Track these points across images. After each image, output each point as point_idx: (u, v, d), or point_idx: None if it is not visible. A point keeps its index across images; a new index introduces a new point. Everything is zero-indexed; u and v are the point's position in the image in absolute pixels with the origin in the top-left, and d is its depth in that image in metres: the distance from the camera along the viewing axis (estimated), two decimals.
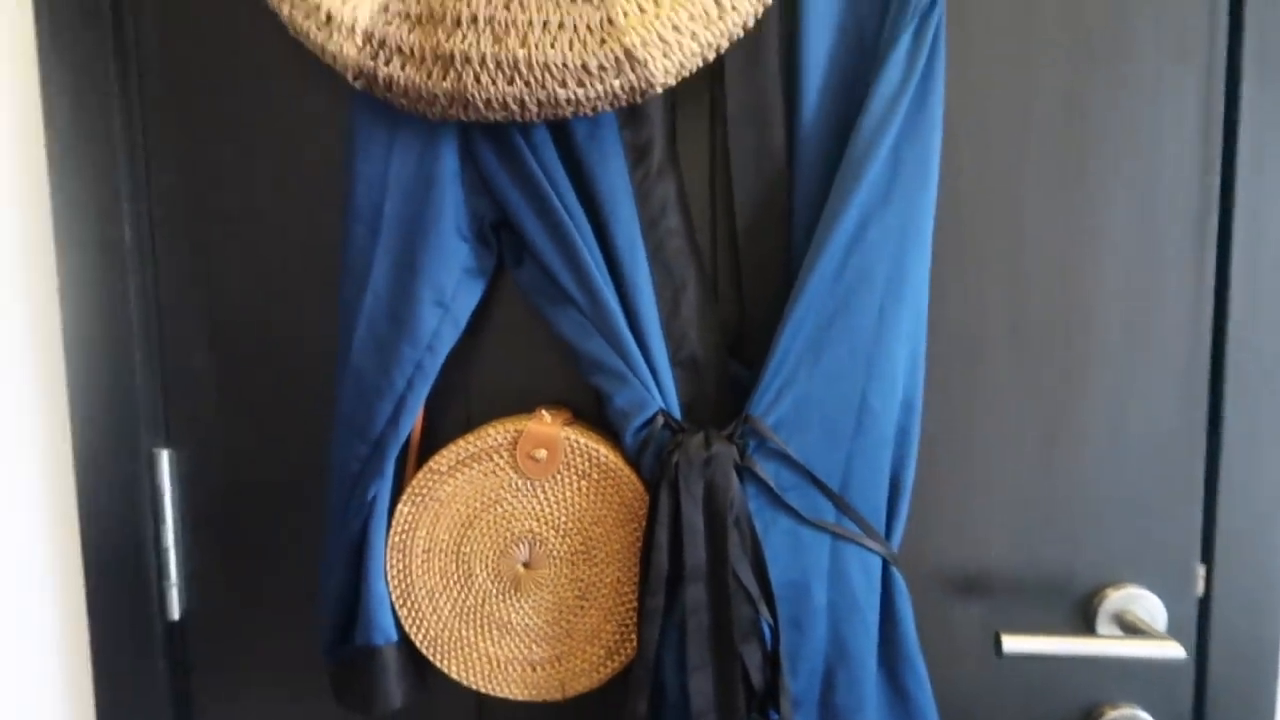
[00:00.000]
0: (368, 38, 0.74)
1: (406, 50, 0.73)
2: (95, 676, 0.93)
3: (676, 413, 0.82)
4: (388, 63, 0.74)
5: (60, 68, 0.86)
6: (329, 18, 0.73)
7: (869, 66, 0.79)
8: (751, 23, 0.75)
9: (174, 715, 0.94)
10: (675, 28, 0.72)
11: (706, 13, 0.73)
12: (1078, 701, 0.90)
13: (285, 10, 0.75)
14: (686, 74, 0.75)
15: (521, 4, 0.72)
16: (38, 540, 0.94)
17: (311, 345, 0.91)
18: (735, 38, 0.75)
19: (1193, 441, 0.87)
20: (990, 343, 0.87)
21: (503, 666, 0.86)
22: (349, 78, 0.76)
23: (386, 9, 0.74)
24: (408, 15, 0.74)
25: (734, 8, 0.73)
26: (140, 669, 0.93)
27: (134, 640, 0.93)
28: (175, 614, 0.94)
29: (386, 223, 0.82)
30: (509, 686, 0.86)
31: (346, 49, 0.74)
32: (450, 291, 0.83)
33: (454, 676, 0.86)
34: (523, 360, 0.89)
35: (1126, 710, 0.89)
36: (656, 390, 0.81)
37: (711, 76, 0.83)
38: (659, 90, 0.75)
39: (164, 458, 0.92)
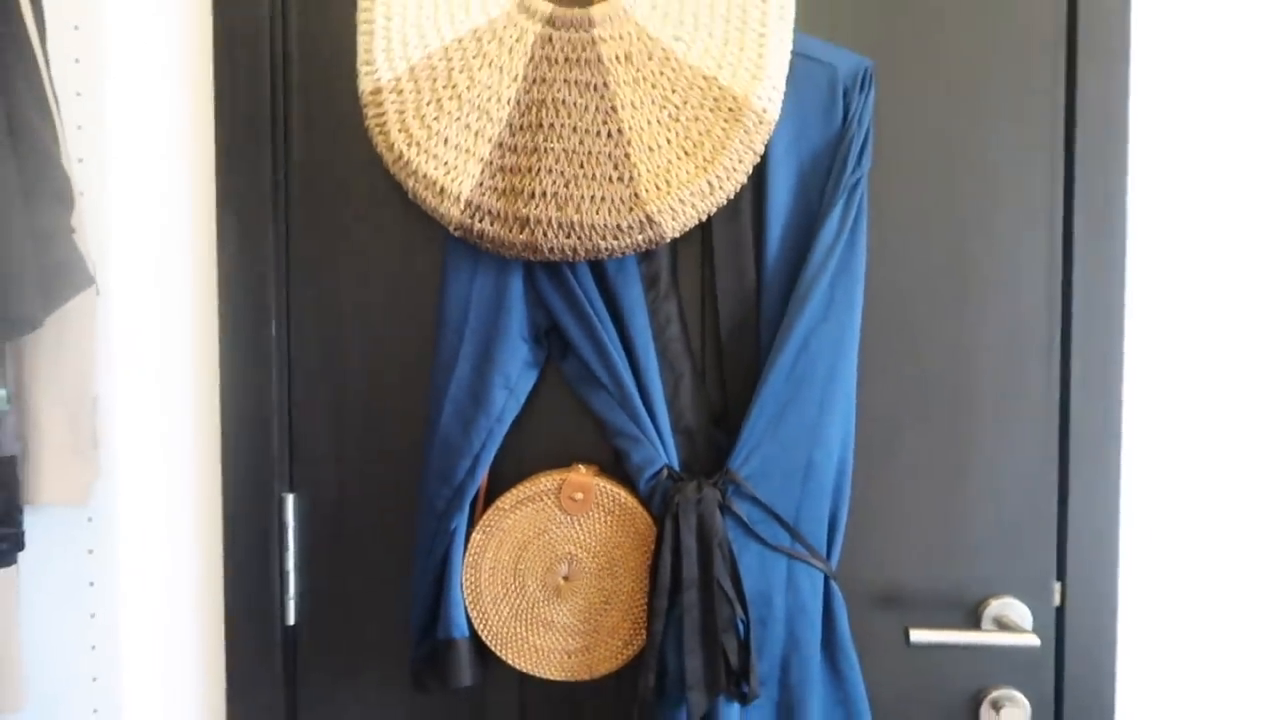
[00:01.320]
0: (468, 204, 1.06)
1: (495, 213, 1.05)
2: (228, 663, 1.22)
3: (677, 467, 1.13)
4: (480, 221, 1.06)
5: (233, 216, 1.18)
6: (442, 190, 1.05)
7: (813, 224, 1.12)
8: (732, 195, 1.08)
9: (286, 695, 1.23)
10: (681, 201, 1.05)
11: (702, 191, 1.05)
12: (969, 684, 1.20)
13: (410, 184, 1.07)
14: (687, 229, 1.08)
15: (576, 184, 1.04)
16: (192, 559, 1.23)
17: (404, 417, 1.21)
18: (721, 205, 1.08)
19: (1049, 493, 1.19)
20: (901, 421, 1.19)
21: (546, 655, 1.15)
22: (450, 228, 1.08)
23: (481, 185, 1.06)
24: (496, 189, 1.06)
25: (721, 188, 1.06)
26: (262, 660, 1.21)
27: (259, 638, 1.21)
28: (291, 620, 1.23)
29: (469, 328, 1.13)
30: (550, 670, 1.15)
31: (452, 211, 1.06)
32: (515, 378, 1.13)
33: (509, 662, 1.14)
34: (564, 428, 1.19)
35: (1005, 691, 1.19)
36: (662, 450, 1.12)
37: (703, 229, 1.14)
38: (668, 240, 1.07)
39: (289, 500, 1.22)
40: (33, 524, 1.16)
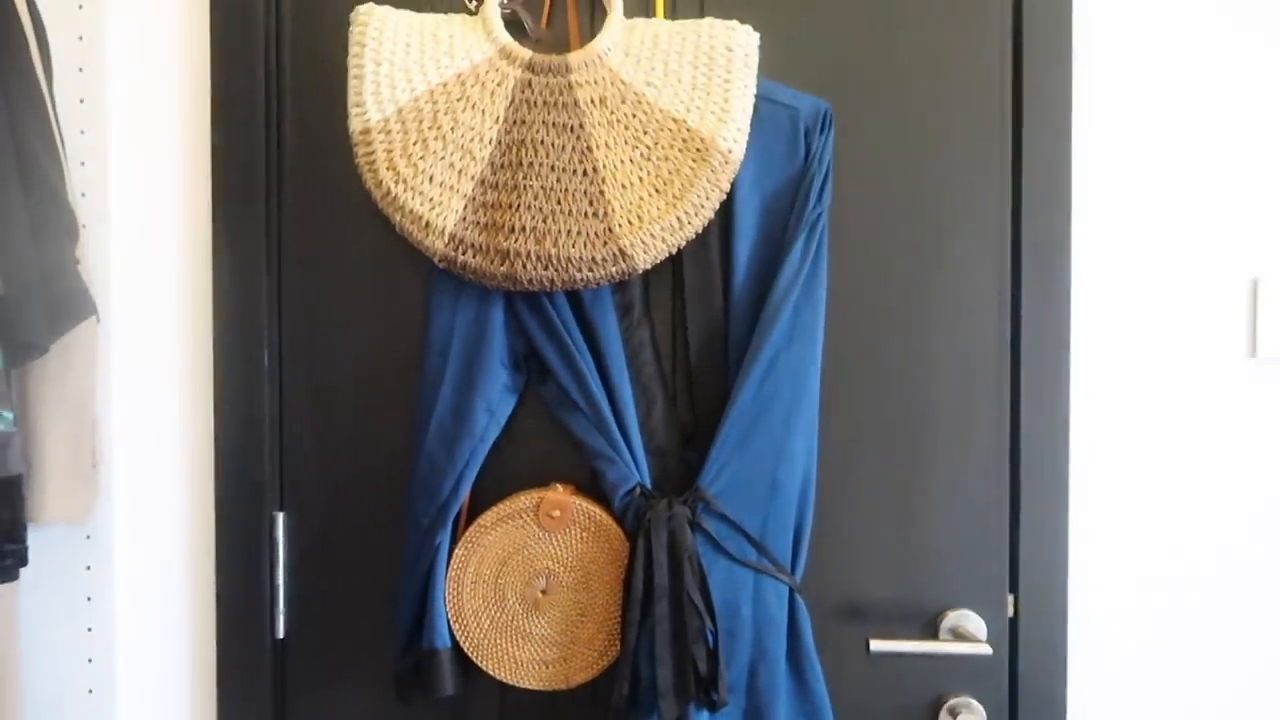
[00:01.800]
0: (452, 237, 1.12)
1: (477, 246, 1.12)
2: (219, 675, 1.27)
3: (649, 485, 1.19)
4: (464, 253, 1.12)
5: (227, 247, 1.25)
6: (427, 224, 1.12)
7: (777, 256, 1.18)
8: (701, 229, 1.15)
9: (275, 705, 1.28)
10: (652, 235, 1.12)
11: (672, 226, 1.12)
12: (928, 692, 1.26)
13: (397, 218, 1.13)
14: (658, 261, 1.14)
15: (553, 219, 1.11)
16: (185, 574, 1.28)
17: (389, 439, 1.27)
18: (690, 239, 1.15)
19: (1002, 511, 1.25)
20: (863, 441, 1.26)
21: (524, 665, 1.20)
22: (435, 260, 1.14)
23: (464, 219, 1.12)
24: (478, 223, 1.12)
25: (689, 224, 1.13)
26: (253, 671, 1.27)
27: (250, 650, 1.27)
28: (280, 632, 1.28)
29: (453, 354, 1.19)
30: (529, 680, 1.20)
31: (437, 244, 1.12)
32: (496, 401, 1.19)
33: (489, 673, 1.19)
34: (543, 449, 1.26)
35: (962, 698, 1.26)
36: (636, 470, 1.18)
37: (674, 260, 1.21)
38: (640, 272, 1.14)
39: (279, 519, 1.28)
40: (34, 540, 1.20)
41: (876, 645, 1.21)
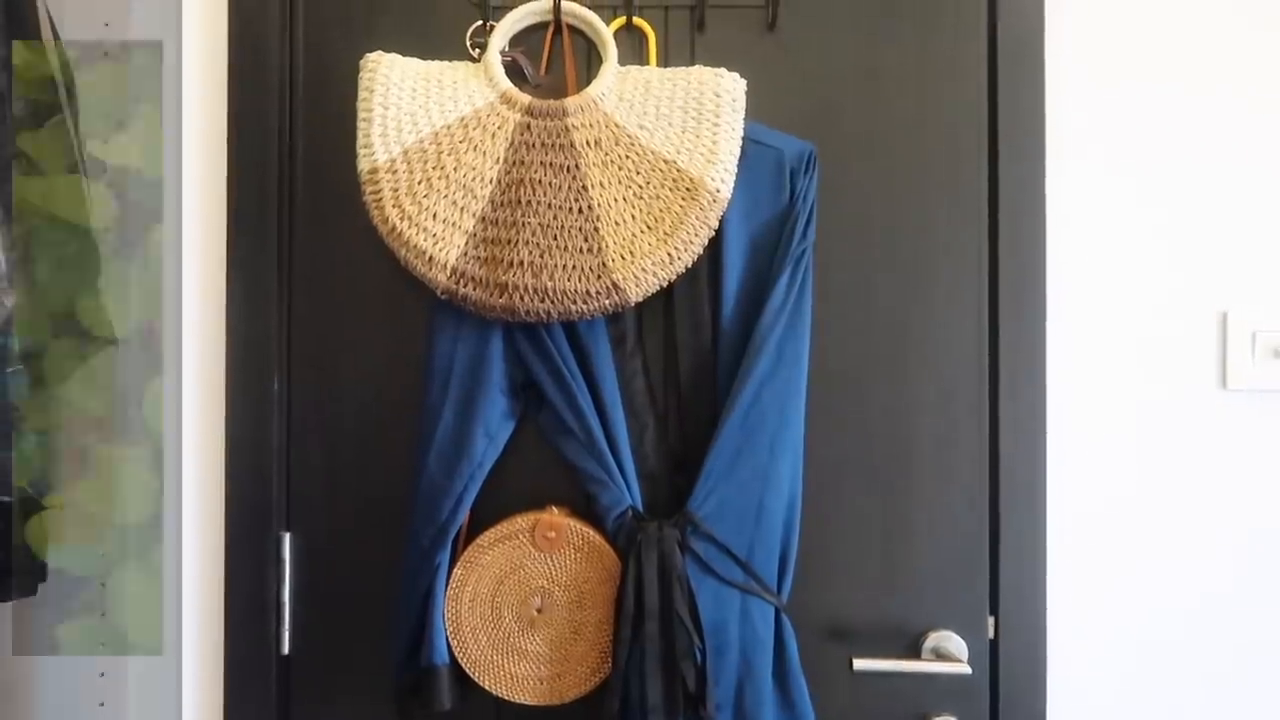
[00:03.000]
0: (454, 271, 1.18)
1: (478, 280, 1.18)
2: (226, 689, 1.32)
3: (640, 508, 1.24)
4: (464, 286, 1.18)
5: (240, 279, 1.31)
6: (430, 259, 1.18)
7: (764, 289, 1.24)
8: (690, 264, 1.21)
9: (279, 718, 1.33)
10: (644, 270, 1.17)
11: (663, 261, 1.18)
12: (910, 711, 1.31)
13: (402, 253, 1.19)
14: (650, 294, 1.20)
15: (550, 254, 1.17)
16: (196, 591, 1.33)
17: (391, 463, 1.32)
18: (681, 273, 1.21)
19: (982, 535, 1.30)
20: (847, 468, 1.31)
21: (520, 681, 1.25)
22: (437, 292, 1.20)
23: (465, 254, 1.18)
24: (479, 258, 1.18)
25: (680, 259, 1.18)
26: (258, 687, 1.31)
27: (255, 666, 1.31)
28: (285, 650, 1.33)
29: (454, 382, 1.24)
30: (524, 695, 1.24)
31: (439, 277, 1.18)
32: (494, 427, 1.25)
33: (486, 688, 1.24)
34: (539, 473, 1.31)
35: (944, 717, 1.29)
36: (628, 494, 1.23)
37: (665, 293, 1.26)
38: (633, 304, 1.20)
39: (286, 539, 1.33)
40: (51, 558, 1.27)
41: (860, 664, 1.25)
